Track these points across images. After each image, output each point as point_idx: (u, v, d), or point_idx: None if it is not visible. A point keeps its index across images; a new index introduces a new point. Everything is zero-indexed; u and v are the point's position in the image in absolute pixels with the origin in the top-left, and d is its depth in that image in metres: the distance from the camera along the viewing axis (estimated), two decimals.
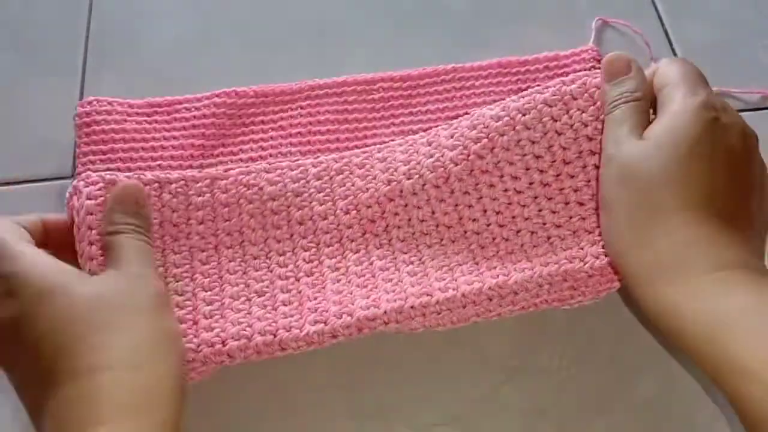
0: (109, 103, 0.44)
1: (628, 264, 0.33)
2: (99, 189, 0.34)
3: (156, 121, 0.44)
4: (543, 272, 0.34)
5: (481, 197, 0.36)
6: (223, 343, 0.33)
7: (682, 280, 0.30)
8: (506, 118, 0.35)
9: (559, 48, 0.48)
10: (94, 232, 0.33)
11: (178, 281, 0.34)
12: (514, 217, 0.35)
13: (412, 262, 0.35)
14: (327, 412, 0.37)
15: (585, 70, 0.45)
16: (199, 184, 0.36)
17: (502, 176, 0.35)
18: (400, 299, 0.34)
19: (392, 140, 0.44)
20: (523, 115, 0.35)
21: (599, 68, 0.46)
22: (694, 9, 0.51)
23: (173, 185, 0.35)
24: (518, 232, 0.35)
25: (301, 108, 0.45)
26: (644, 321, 0.38)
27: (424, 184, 0.36)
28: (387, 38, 0.50)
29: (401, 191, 0.35)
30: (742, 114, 0.46)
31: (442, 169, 0.36)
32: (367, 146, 0.43)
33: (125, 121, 0.43)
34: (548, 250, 0.35)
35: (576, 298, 0.36)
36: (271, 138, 0.44)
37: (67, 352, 0.28)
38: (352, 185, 0.36)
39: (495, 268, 0.35)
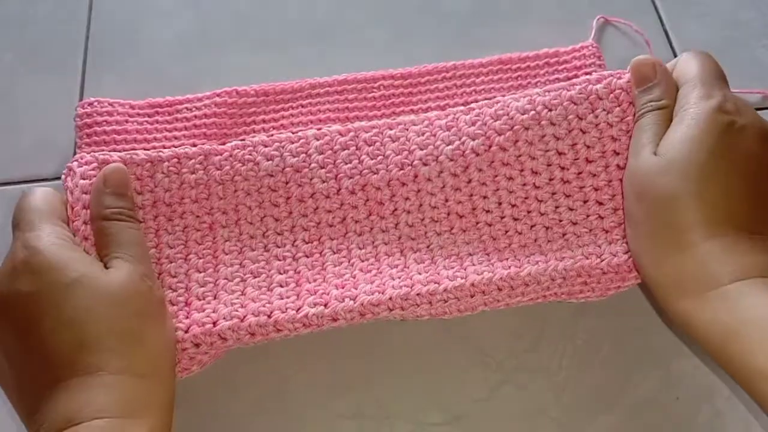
0: (110, 104, 0.44)
1: (654, 280, 0.32)
2: (93, 169, 0.34)
3: (157, 122, 0.44)
4: (558, 266, 0.34)
5: (497, 189, 0.35)
6: (214, 323, 0.32)
7: (705, 294, 0.30)
8: (532, 112, 0.35)
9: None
10: (89, 211, 0.33)
11: (171, 262, 0.33)
12: (529, 212, 0.35)
13: (419, 249, 0.34)
14: (327, 412, 0.37)
15: (585, 66, 0.45)
16: (192, 161, 0.35)
17: (522, 170, 0.35)
18: (407, 286, 0.33)
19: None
20: (550, 110, 0.35)
21: (601, 64, 0.46)
22: (694, 9, 0.51)
23: (166, 164, 0.34)
24: (533, 226, 0.35)
25: (302, 106, 0.45)
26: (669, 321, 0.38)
27: (441, 172, 0.35)
28: (387, 38, 0.50)
29: (415, 176, 0.34)
30: None
31: (462, 158, 0.35)
32: None
33: (126, 122, 0.43)
34: (563, 246, 0.34)
35: (585, 293, 0.35)
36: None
37: (89, 349, 0.29)
38: (360, 163, 0.35)
39: (506, 259, 0.34)
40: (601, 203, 0.35)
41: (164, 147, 0.43)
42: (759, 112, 0.46)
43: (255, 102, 0.45)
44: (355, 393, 0.37)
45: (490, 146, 0.34)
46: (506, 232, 0.35)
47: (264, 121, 0.44)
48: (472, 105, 0.36)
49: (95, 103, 0.43)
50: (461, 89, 0.45)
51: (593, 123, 0.34)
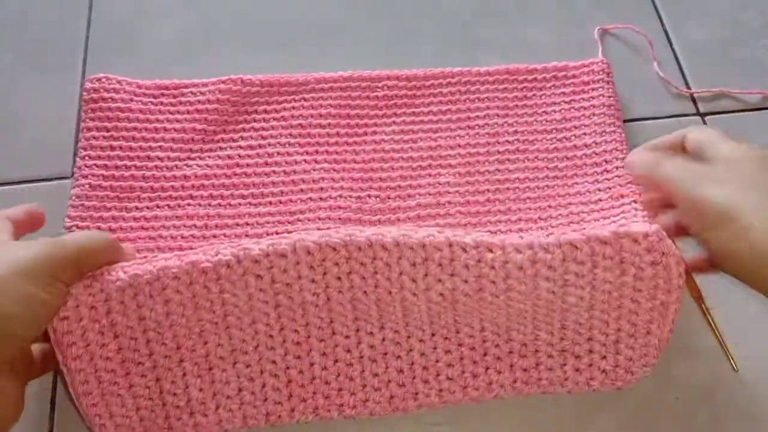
0: (118, 82, 0.44)
1: None
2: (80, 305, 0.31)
3: (162, 103, 0.44)
4: (523, 390, 0.35)
5: (482, 319, 0.34)
6: (219, 423, 0.34)
7: None
8: (530, 270, 0.33)
9: (558, 48, 0.49)
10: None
11: (168, 369, 0.33)
12: (509, 328, 0.35)
13: (400, 356, 0.35)
14: None
15: (593, 81, 0.45)
16: (176, 283, 0.32)
17: (509, 307, 0.34)
18: (384, 400, 0.35)
19: (392, 138, 0.43)
20: (549, 268, 0.33)
21: (609, 80, 0.45)
22: (694, 9, 0.51)
23: (147, 287, 0.32)
24: (509, 340, 0.35)
25: (305, 100, 0.45)
26: None
27: (428, 301, 0.33)
28: (387, 38, 0.50)
29: (402, 300, 0.33)
30: (742, 114, 0.47)
31: (450, 295, 0.33)
32: (366, 143, 0.43)
33: (132, 100, 0.44)
34: (532, 365, 0.35)
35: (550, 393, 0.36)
36: (272, 128, 0.44)
37: None
38: (349, 281, 0.33)
39: (479, 375, 0.35)
40: (579, 333, 0.35)
41: (165, 129, 0.43)
42: (759, 112, 0.47)
43: (258, 92, 0.45)
44: None
45: (480, 289, 0.33)
46: (483, 342, 0.35)
47: (266, 111, 0.45)
48: (471, 239, 0.33)
49: (103, 79, 0.44)
50: (465, 95, 0.45)
51: (590, 282, 0.33)
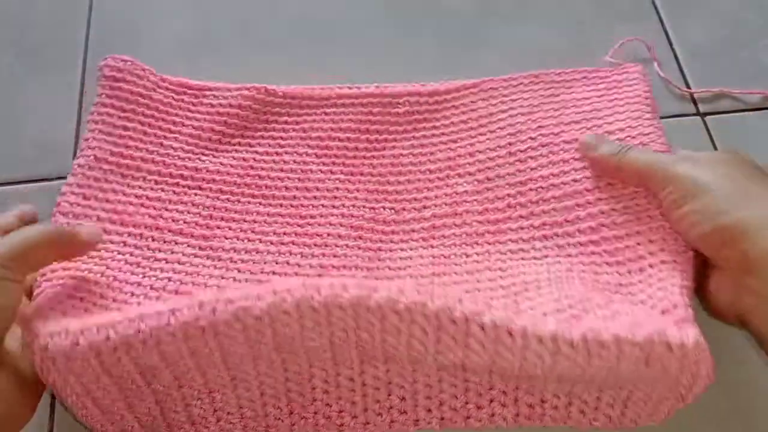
0: (143, 69, 0.44)
1: None
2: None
3: (183, 101, 0.44)
4: (524, 423, 0.34)
5: (491, 371, 0.33)
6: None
7: None
8: (548, 354, 0.30)
9: (559, 48, 0.49)
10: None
11: (167, 394, 0.33)
12: (517, 388, 0.34)
13: (403, 387, 0.34)
14: None
15: (628, 80, 0.43)
16: (170, 337, 0.30)
17: (521, 373, 0.32)
18: (384, 423, 0.35)
19: (410, 152, 0.43)
20: (570, 360, 0.30)
21: (645, 81, 0.43)
22: (694, 9, 0.51)
23: (140, 346, 0.30)
24: (516, 388, 0.34)
25: (326, 114, 0.44)
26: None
27: (435, 358, 0.32)
28: (387, 38, 0.50)
29: (410, 355, 0.32)
30: (743, 114, 0.47)
31: (458, 358, 0.32)
32: (384, 156, 0.43)
33: (155, 90, 0.44)
34: (537, 401, 0.34)
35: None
36: (291, 138, 0.43)
37: None
38: (357, 337, 0.31)
39: (482, 408, 0.34)
40: (588, 388, 0.33)
41: (183, 124, 0.43)
42: (759, 112, 0.47)
43: (281, 103, 0.45)
44: None
45: (493, 362, 0.31)
46: (489, 380, 0.34)
47: (286, 122, 0.44)
48: (490, 320, 0.30)
49: (129, 62, 0.44)
50: (486, 101, 0.44)
51: (612, 371, 0.31)
